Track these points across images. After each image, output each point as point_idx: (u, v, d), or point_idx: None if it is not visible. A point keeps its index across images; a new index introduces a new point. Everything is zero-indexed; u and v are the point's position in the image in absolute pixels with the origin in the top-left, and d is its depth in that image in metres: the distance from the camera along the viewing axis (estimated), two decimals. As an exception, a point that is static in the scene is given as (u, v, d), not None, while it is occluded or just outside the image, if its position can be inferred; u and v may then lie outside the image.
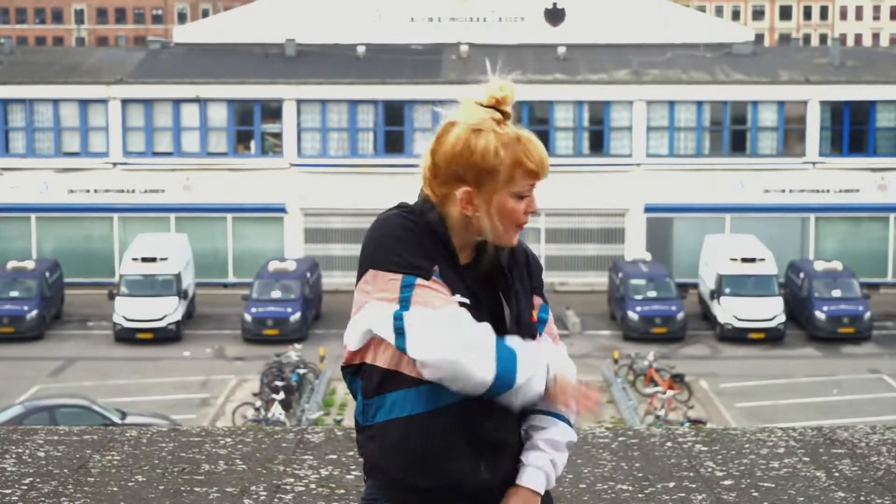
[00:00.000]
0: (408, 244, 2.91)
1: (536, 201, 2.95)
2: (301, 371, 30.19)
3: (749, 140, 45.00)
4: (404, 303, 2.86)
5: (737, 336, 37.10)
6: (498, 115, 2.93)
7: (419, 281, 2.87)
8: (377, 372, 2.97)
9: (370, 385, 2.98)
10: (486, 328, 2.86)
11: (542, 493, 3.03)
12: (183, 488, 5.10)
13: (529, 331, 3.00)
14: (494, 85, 2.95)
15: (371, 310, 2.92)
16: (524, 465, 3.01)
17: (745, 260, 38.59)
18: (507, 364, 2.83)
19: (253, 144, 45.43)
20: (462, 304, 2.89)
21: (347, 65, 45.93)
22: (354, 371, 3.04)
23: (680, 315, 37.40)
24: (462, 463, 2.94)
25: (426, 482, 2.95)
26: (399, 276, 2.88)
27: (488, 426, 2.95)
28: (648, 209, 44.33)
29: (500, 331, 2.90)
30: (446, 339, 2.81)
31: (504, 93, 2.94)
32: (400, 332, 2.86)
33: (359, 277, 2.96)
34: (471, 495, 2.96)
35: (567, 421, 3.05)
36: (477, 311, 2.90)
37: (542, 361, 2.91)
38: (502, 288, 3.01)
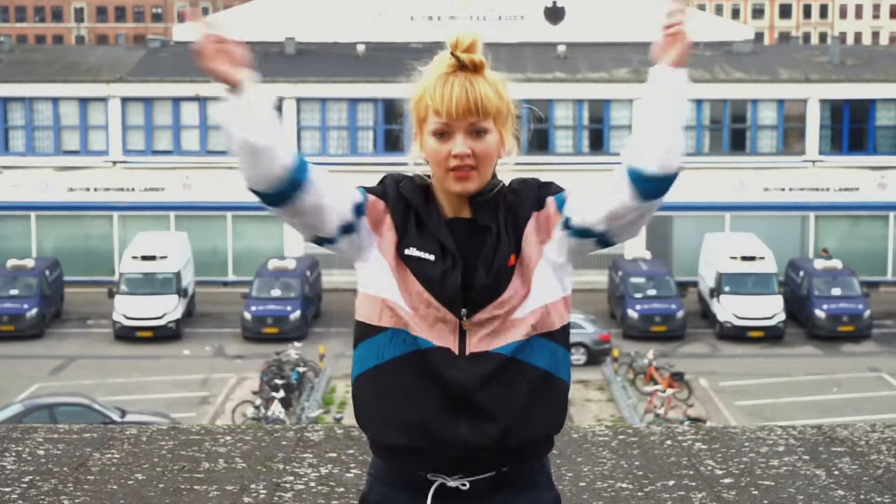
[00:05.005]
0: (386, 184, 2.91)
1: (460, 145, 2.77)
2: (301, 369, 30.16)
3: (749, 138, 45.00)
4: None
5: (736, 334, 37.10)
6: (453, 62, 2.81)
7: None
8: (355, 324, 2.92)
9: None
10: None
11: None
12: (183, 486, 5.10)
13: (498, 279, 2.82)
14: (453, 33, 2.84)
15: None
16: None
17: (744, 258, 38.60)
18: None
19: (253, 143, 45.42)
20: (418, 258, 2.80)
21: (347, 63, 45.92)
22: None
23: (680, 313, 37.41)
24: (434, 416, 2.75)
25: (398, 440, 2.79)
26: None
27: (465, 381, 2.76)
28: (648, 207, 44.27)
29: (470, 277, 2.80)
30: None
31: (458, 38, 2.81)
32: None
33: None
34: (455, 457, 2.77)
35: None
36: (443, 262, 2.79)
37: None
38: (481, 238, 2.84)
